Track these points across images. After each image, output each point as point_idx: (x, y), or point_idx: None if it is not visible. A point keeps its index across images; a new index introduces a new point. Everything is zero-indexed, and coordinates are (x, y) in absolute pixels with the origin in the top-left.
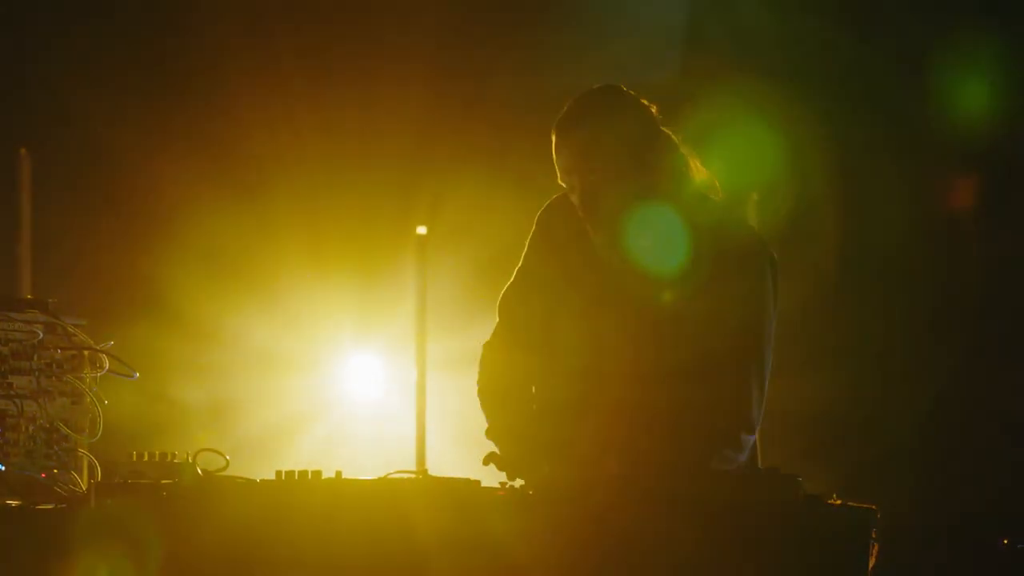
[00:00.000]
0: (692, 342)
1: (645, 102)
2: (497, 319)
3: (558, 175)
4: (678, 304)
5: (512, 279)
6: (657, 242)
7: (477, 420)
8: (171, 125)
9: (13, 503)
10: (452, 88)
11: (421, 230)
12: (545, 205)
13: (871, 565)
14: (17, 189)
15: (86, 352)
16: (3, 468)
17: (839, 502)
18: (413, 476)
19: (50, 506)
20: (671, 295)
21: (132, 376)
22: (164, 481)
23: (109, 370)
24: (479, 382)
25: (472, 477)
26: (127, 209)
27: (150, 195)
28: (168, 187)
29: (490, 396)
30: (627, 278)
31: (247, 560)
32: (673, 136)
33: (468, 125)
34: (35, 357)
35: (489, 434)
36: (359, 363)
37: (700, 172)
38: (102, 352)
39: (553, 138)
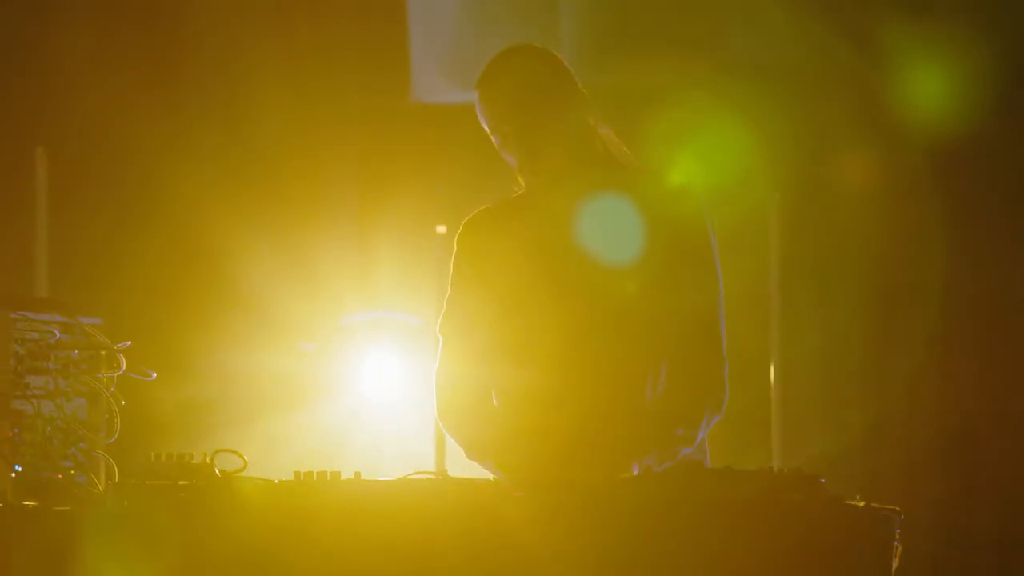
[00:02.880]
0: (646, 318)
1: (558, 56)
2: (440, 347)
3: (490, 135)
4: (633, 284)
5: (447, 304)
6: (605, 225)
7: None
8: (190, 124)
9: (30, 504)
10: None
11: (441, 229)
12: (462, 227)
13: (895, 567)
14: (34, 188)
15: (103, 352)
16: (20, 469)
17: (862, 503)
18: (432, 477)
19: (67, 507)
20: (622, 276)
21: (150, 376)
22: (182, 482)
23: (126, 370)
24: (439, 413)
25: (491, 478)
26: (144, 208)
27: (168, 194)
28: (186, 186)
29: (453, 416)
30: (573, 259)
31: (265, 562)
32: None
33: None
34: (52, 357)
35: (470, 455)
36: (378, 363)
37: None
38: (119, 352)
39: (477, 96)
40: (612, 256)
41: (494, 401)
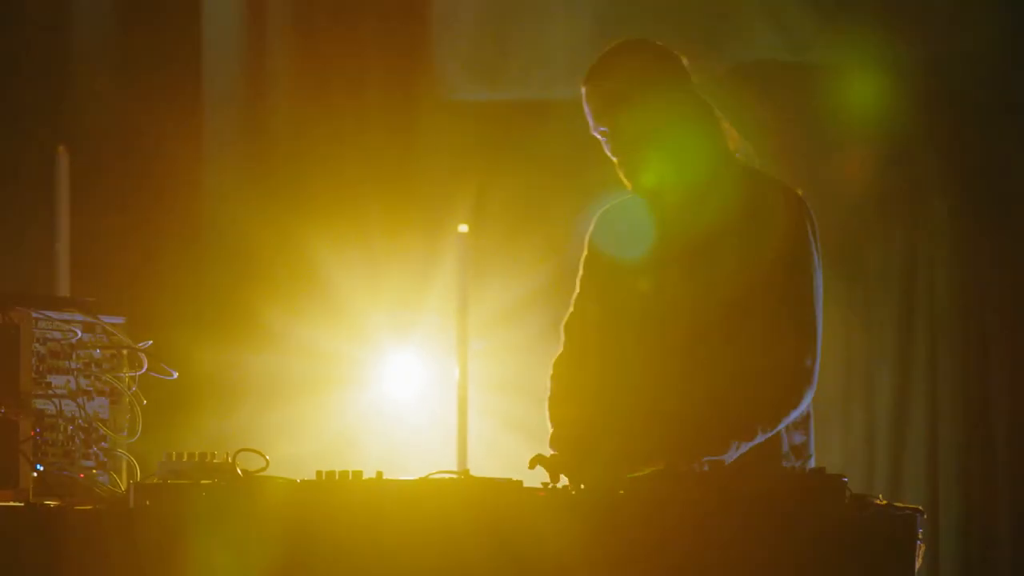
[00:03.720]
0: (724, 315)
1: (677, 55)
2: (562, 343)
3: (590, 126)
4: (731, 291)
5: (572, 305)
6: (699, 232)
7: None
8: (212, 122)
9: (52, 503)
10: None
11: (463, 228)
12: (593, 225)
13: (917, 566)
14: (55, 187)
15: (125, 351)
16: (42, 468)
17: (885, 502)
18: (454, 476)
19: (89, 507)
20: (721, 283)
21: (171, 375)
22: (203, 481)
23: (148, 369)
24: (550, 394)
25: (514, 477)
26: (166, 207)
27: (189, 193)
28: (207, 184)
29: (557, 406)
30: (675, 265)
31: (287, 561)
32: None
33: (511, 121)
34: (73, 356)
35: (553, 443)
36: (399, 362)
37: (732, 134)
38: (140, 351)
39: (583, 89)
40: (708, 263)
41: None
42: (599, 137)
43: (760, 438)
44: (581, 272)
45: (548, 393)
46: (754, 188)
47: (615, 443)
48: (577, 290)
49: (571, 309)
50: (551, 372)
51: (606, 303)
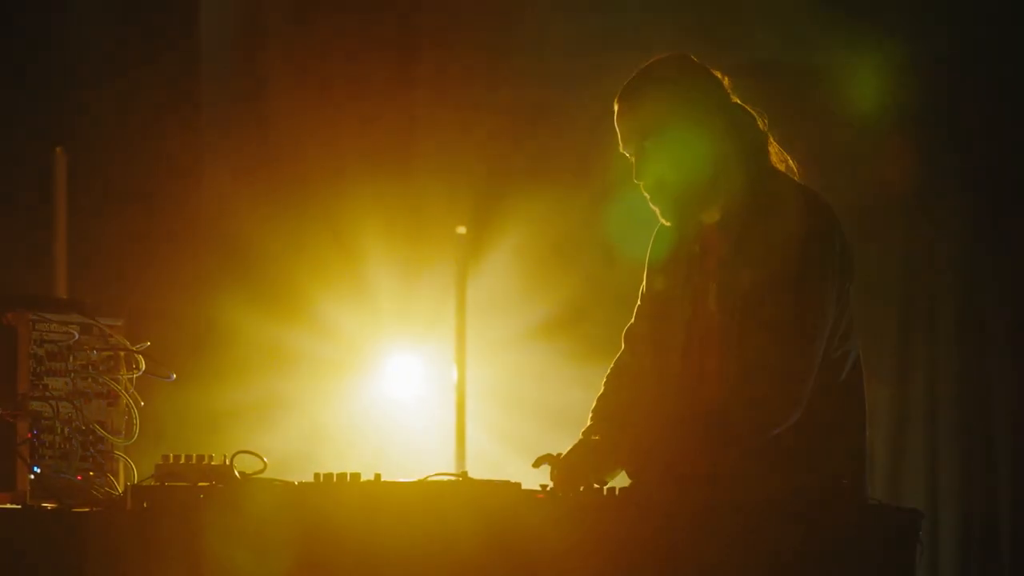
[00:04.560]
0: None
1: (717, 74)
2: (622, 348)
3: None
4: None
5: (635, 313)
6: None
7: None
8: (211, 123)
9: (49, 506)
10: (491, 87)
11: (461, 230)
12: (653, 236)
13: (917, 566)
14: (53, 189)
15: (122, 353)
16: (39, 470)
17: (884, 504)
18: (453, 478)
19: (86, 509)
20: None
21: (169, 377)
22: (201, 484)
23: (145, 371)
24: (600, 395)
25: (512, 480)
26: (164, 208)
27: (187, 195)
28: (206, 186)
29: (601, 410)
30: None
31: (285, 563)
32: (750, 110)
33: (509, 125)
34: (71, 358)
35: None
36: (398, 363)
37: (774, 148)
38: (138, 353)
39: (615, 107)
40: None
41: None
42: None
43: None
44: (644, 280)
45: (600, 394)
46: (773, 200)
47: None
48: (640, 300)
49: (634, 316)
50: (608, 373)
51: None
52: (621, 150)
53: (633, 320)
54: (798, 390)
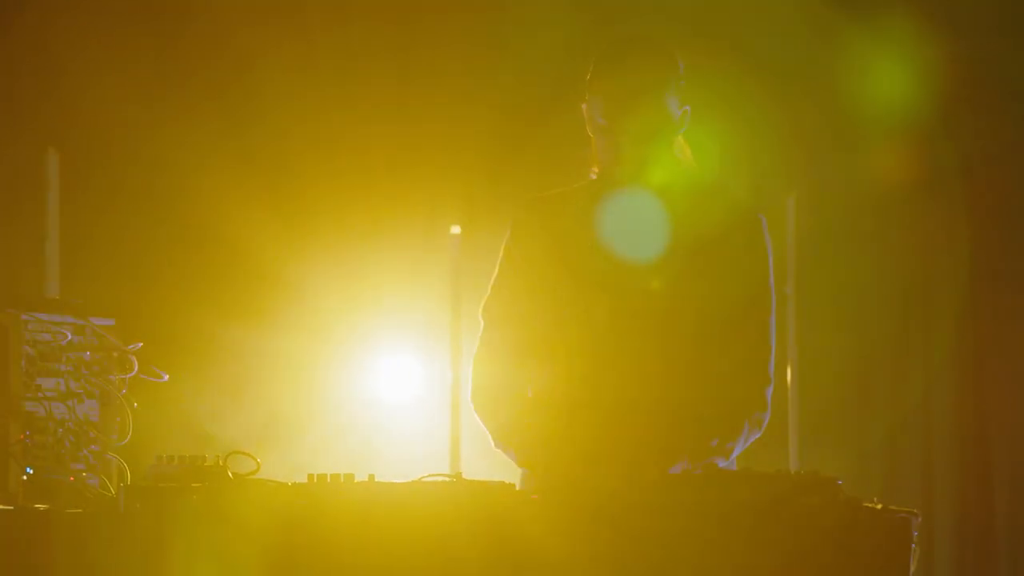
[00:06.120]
0: (694, 327)
1: (673, 55)
2: (481, 328)
3: (593, 119)
4: (676, 288)
5: (493, 287)
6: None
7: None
8: (202, 123)
9: (41, 507)
10: (485, 86)
11: (455, 230)
12: (519, 210)
13: (912, 570)
14: (45, 188)
15: (115, 353)
16: (31, 471)
17: (880, 506)
18: (447, 480)
19: (79, 510)
20: (664, 279)
21: (161, 378)
22: (194, 484)
23: (138, 372)
24: (472, 396)
25: (507, 481)
26: (156, 208)
27: (180, 193)
28: (198, 186)
29: (484, 404)
30: (621, 260)
31: (279, 565)
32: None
33: (502, 123)
34: (63, 359)
35: (496, 442)
36: (392, 365)
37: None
38: (131, 353)
39: (593, 82)
40: (655, 259)
41: (528, 392)
42: (598, 130)
43: (732, 456)
44: (503, 254)
45: (471, 394)
46: (719, 200)
47: (549, 428)
48: (496, 274)
49: (489, 293)
50: (471, 370)
51: (533, 286)
52: (590, 125)
53: (491, 294)
54: (763, 413)
